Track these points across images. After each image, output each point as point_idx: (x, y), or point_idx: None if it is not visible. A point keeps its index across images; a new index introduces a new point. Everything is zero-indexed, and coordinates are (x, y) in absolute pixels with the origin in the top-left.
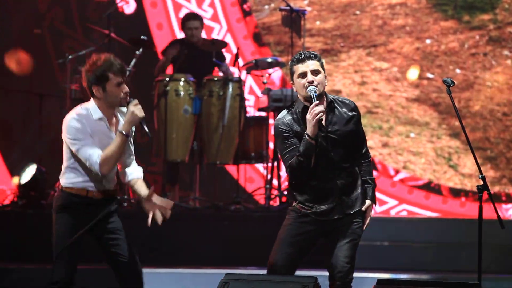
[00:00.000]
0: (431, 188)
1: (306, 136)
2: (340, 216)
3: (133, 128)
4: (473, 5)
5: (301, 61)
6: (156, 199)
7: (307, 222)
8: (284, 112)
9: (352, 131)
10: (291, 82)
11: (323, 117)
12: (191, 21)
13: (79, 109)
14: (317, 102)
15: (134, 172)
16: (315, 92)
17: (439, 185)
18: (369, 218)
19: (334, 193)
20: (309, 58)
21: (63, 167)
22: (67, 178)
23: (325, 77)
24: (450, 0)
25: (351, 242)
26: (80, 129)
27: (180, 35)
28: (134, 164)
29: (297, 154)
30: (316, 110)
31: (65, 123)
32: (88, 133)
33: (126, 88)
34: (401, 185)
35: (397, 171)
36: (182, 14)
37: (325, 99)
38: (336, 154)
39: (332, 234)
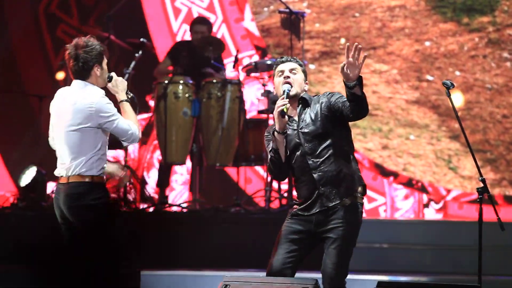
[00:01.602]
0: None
1: (274, 131)
2: (322, 209)
3: None
4: (472, 8)
5: (282, 62)
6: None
7: (299, 221)
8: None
9: (324, 120)
10: (274, 86)
11: (295, 116)
12: (198, 25)
13: (94, 89)
14: (283, 96)
15: None
16: (288, 89)
17: (492, 195)
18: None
19: (313, 186)
20: (289, 60)
21: (85, 158)
22: (98, 167)
23: (305, 82)
24: (449, 2)
25: (338, 248)
26: (111, 103)
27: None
28: None
29: (270, 150)
30: (279, 103)
31: (95, 105)
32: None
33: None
34: (452, 203)
35: (448, 191)
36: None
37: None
38: (310, 149)
39: (323, 239)
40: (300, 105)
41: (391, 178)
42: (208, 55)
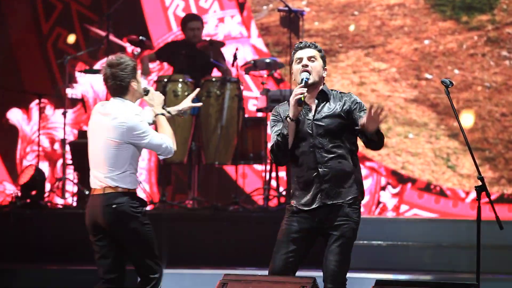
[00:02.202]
0: (504, 199)
1: (287, 117)
2: (320, 205)
3: None
4: (471, 6)
5: (300, 48)
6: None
7: (299, 219)
8: (283, 102)
9: (340, 120)
10: (292, 72)
11: (312, 104)
12: (192, 22)
13: (130, 106)
14: (302, 85)
15: None
16: (307, 78)
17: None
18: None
19: (315, 181)
20: (308, 46)
21: (119, 171)
22: (130, 182)
23: (324, 69)
24: (449, 0)
25: (341, 245)
26: (144, 120)
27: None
28: None
29: (277, 134)
30: (297, 91)
31: (128, 123)
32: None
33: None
34: (412, 191)
35: (467, 193)
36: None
37: (319, 88)
38: (320, 143)
39: (325, 234)
40: (319, 97)
41: (409, 184)
42: (208, 53)
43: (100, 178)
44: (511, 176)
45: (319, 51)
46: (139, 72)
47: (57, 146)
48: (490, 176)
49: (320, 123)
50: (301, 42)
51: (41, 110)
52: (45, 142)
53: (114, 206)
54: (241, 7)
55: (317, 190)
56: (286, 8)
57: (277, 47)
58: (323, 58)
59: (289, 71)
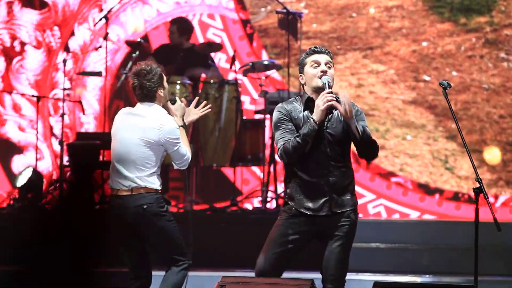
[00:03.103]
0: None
1: (312, 120)
2: (328, 213)
3: None
4: (469, 8)
5: (316, 52)
6: None
7: (298, 222)
8: (287, 101)
9: (348, 131)
10: (300, 74)
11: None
12: (170, 25)
13: (162, 110)
14: (330, 90)
15: None
16: (329, 81)
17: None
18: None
19: (325, 189)
20: (324, 52)
21: (148, 172)
22: (157, 182)
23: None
24: (447, 2)
25: (342, 245)
26: (178, 128)
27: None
28: None
29: (297, 135)
30: (328, 97)
31: (166, 126)
32: None
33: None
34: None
35: (496, 197)
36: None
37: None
38: (331, 151)
39: (324, 237)
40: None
41: (437, 196)
42: (206, 54)
43: (129, 177)
44: (509, 178)
45: (332, 58)
46: (165, 78)
47: (16, 44)
48: (488, 178)
49: (330, 131)
50: (316, 47)
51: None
52: (6, 37)
53: (144, 206)
54: (250, 37)
55: (326, 199)
56: (284, 10)
57: (275, 49)
58: (333, 65)
59: (288, 73)
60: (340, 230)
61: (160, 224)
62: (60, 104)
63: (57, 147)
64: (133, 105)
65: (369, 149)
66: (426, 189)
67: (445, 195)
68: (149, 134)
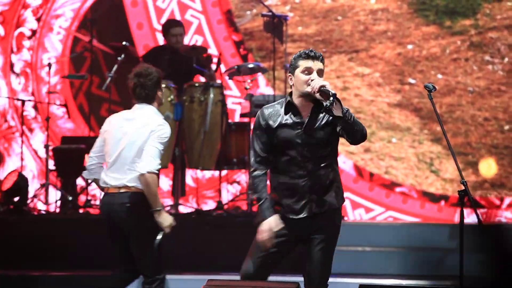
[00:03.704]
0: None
1: (262, 206)
2: (309, 214)
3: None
4: (454, 11)
5: (310, 57)
6: None
7: (283, 225)
8: (271, 104)
9: (330, 130)
10: (290, 75)
11: (305, 117)
12: (174, 28)
13: (157, 116)
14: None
15: None
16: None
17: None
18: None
19: (304, 191)
20: (318, 58)
21: (134, 175)
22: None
23: None
24: (432, 5)
25: (323, 249)
26: (167, 132)
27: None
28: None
29: (255, 171)
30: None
31: (161, 128)
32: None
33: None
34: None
35: (501, 199)
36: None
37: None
38: (310, 153)
39: (307, 240)
40: (314, 108)
41: (442, 202)
42: (191, 59)
43: (119, 178)
44: (494, 180)
45: (324, 64)
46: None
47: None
48: (473, 180)
49: (311, 133)
50: (311, 51)
51: None
52: None
53: (128, 205)
54: (244, 58)
55: (306, 200)
56: (270, 13)
57: (261, 52)
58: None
59: (273, 76)
60: (321, 233)
61: (143, 225)
62: (26, 42)
63: (17, 86)
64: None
65: (354, 133)
66: (431, 197)
67: (450, 200)
68: (140, 136)
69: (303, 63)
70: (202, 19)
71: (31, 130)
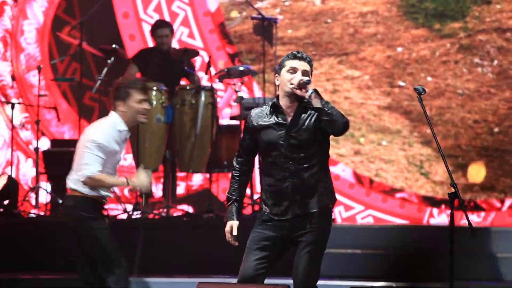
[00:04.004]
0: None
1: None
2: (293, 216)
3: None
4: (443, 13)
5: (297, 58)
6: None
7: (269, 227)
8: (260, 105)
9: (315, 130)
10: (276, 75)
11: (288, 116)
12: (161, 29)
13: (105, 122)
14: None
15: None
16: (309, 81)
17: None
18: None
19: (288, 192)
20: (305, 59)
21: (76, 177)
22: (87, 188)
23: None
24: (421, 8)
25: (310, 252)
26: (106, 140)
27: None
28: None
29: (234, 174)
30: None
31: (90, 133)
32: (109, 147)
33: (147, 106)
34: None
35: (502, 201)
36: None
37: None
38: (294, 154)
39: (296, 243)
40: (298, 110)
41: (443, 206)
42: (181, 61)
43: (68, 179)
44: (485, 183)
45: (311, 66)
46: (133, 97)
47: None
48: (463, 183)
49: (294, 134)
50: (298, 52)
51: None
52: None
53: (66, 206)
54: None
55: (290, 201)
56: (260, 16)
57: (251, 54)
58: (311, 73)
59: (263, 78)
60: (308, 237)
61: (82, 230)
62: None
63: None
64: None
65: (334, 121)
66: (431, 201)
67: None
68: (82, 138)
69: (289, 63)
70: (188, 10)
71: (5, 96)
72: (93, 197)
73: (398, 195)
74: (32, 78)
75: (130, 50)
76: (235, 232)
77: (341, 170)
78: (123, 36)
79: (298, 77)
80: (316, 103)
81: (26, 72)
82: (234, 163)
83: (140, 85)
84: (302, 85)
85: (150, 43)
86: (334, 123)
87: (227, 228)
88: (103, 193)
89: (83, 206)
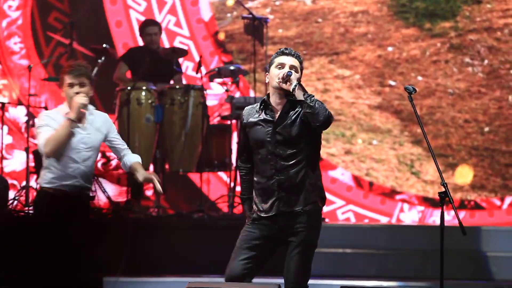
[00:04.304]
0: (466, 205)
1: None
2: (276, 213)
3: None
4: (434, 13)
5: (284, 54)
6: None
7: (258, 226)
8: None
9: (301, 126)
10: (266, 73)
11: (276, 113)
12: (149, 27)
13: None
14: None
15: (132, 159)
16: (290, 73)
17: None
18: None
19: (273, 189)
20: (293, 55)
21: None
22: (44, 177)
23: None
24: (412, 8)
25: (300, 252)
26: (46, 120)
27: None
28: (129, 153)
29: (242, 172)
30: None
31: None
32: (52, 124)
33: (78, 89)
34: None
35: (502, 199)
36: (142, 9)
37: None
38: (280, 150)
39: (285, 243)
40: (286, 105)
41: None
42: (170, 60)
43: None
44: (475, 182)
45: (301, 63)
46: (65, 80)
47: None
48: (454, 183)
49: (280, 131)
50: (286, 48)
51: None
52: None
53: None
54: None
55: (275, 198)
56: (250, 16)
57: (241, 54)
58: (301, 70)
59: (254, 78)
60: (298, 236)
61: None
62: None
63: None
64: None
65: (316, 114)
66: (432, 202)
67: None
68: None
69: (277, 60)
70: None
71: None
72: (47, 190)
73: (398, 196)
74: (13, 45)
75: (117, 37)
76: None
77: (339, 174)
78: (109, 23)
79: (283, 70)
80: (299, 95)
81: (7, 38)
82: (238, 162)
83: (69, 68)
84: (287, 79)
85: (137, 30)
86: (316, 116)
87: None
88: (64, 183)
89: (41, 201)
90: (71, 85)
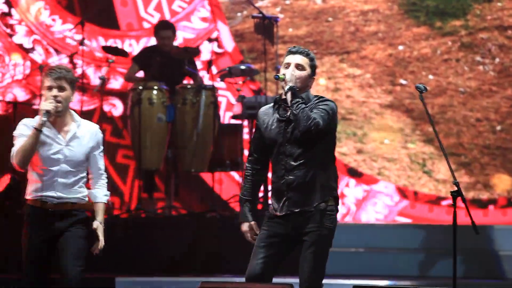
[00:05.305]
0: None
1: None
2: (288, 212)
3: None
4: (445, 11)
5: (291, 52)
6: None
7: (273, 225)
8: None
9: None
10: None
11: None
12: (163, 30)
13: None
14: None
15: (97, 196)
16: (278, 77)
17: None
18: None
19: (283, 188)
20: (300, 53)
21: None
22: (28, 189)
23: (312, 78)
24: (422, 6)
25: (313, 251)
26: (21, 129)
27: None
28: (99, 185)
29: (247, 174)
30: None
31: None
32: (27, 133)
33: (56, 93)
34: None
35: (509, 200)
36: None
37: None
38: (291, 150)
39: (299, 241)
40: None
41: (491, 207)
42: (182, 60)
43: None
44: (487, 181)
45: (311, 59)
46: (44, 83)
47: None
48: (466, 181)
49: (290, 130)
50: (294, 47)
51: None
52: None
53: None
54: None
55: (285, 198)
56: (260, 15)
57: (252, 53)
58: (312, 67)
59: (264, 77)
60: (311, 236)
61: None
62: None
63: None
64: None
65: (297, 119)
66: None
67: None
68: None
69: (286, 59)
70: None
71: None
72: (29, 203)
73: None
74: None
75: (121, 17)
76: (257, 231)
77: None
78: (114, 1)
79: (289, 72)
80: (288, 99)
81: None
82: (246, 163)
83: (49, 70)
84: (281, 81)
85: (142, 11)
86: (297, 124)
87: (245, 229)
88: (43, 194)
89: (27, 212)
90: (49, 88)
